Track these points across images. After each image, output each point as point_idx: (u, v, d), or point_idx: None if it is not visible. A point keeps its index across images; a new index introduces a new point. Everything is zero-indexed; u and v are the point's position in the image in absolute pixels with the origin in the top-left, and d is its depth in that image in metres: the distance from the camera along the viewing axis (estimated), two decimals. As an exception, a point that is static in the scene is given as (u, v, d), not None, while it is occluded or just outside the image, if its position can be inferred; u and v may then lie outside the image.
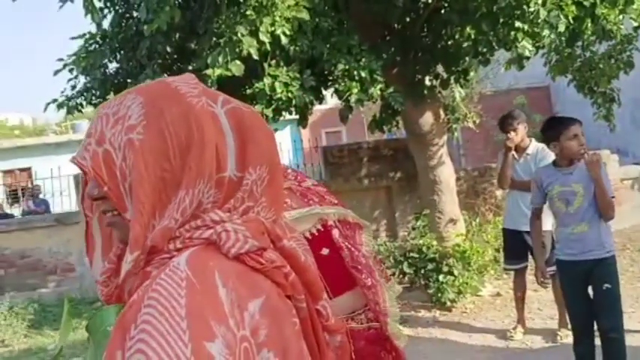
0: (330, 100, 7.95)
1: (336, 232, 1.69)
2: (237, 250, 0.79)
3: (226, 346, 0.71)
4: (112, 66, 6.29)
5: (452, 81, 6.46)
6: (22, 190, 14.20)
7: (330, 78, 5.36)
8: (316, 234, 1.67)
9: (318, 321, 0.86)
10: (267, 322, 0.77)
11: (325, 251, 1.68)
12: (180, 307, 0.71)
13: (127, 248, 0.81)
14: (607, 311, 3.39)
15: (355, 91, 4.94)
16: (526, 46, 5.05)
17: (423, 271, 6.29)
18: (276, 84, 4.82)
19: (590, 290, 3.52)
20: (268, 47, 4.72)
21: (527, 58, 5.37)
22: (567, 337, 4.51)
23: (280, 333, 0.78)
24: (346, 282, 1.67)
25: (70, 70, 6.09)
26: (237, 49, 4.59)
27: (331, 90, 5.61)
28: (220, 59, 4.60)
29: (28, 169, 17.66)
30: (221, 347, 0.71)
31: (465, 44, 5.47)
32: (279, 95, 4.83)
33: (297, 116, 5.79)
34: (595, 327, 3.50)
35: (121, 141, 0.82)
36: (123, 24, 5.95)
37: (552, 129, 3.54)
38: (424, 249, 6.32)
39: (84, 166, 0.84)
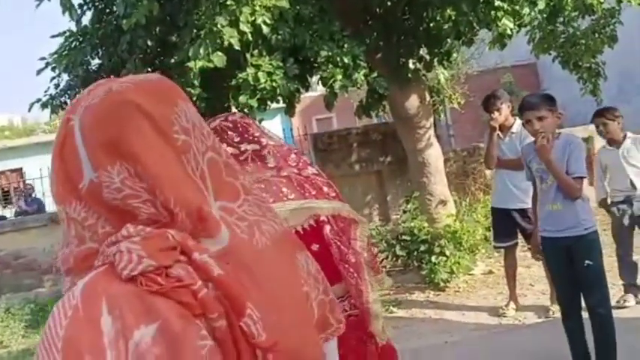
0: (319, 87, 7.96)
1: (327, 229, 1.70)
2: (129, 271, 0.74)
3: None
4: (94, 62, 6.26)
5: (435, 63, 6.46)
6: (14, 190, 14.14)
7: (314, 65, 5.36)
8: (308, 229, 1.67)
9: (242, 339, 0.78)
10: (158, 350, 0.71)
11: (315, 247, 1.68)
12: (59, 340, 0.70)
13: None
14: (591, 288, 3.44)
15: (339, 77, 4.94)
16: (507, 24, 5.06)
17: (415, 253, 6.34)
18: (260, 74, 4.81)
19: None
20: (250, 37, 4.71)
21: (509, 36, 5.38)
22: (559, 312, 4.56)
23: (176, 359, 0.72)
24: (336, 277, 1.68)
25: (53, 69, 6.06)
26: (218, 41, 4.58)
27: (317, 77, 5.60)
28: (202, 51, 4.58)
29: (19, 170, 17.59)
30: None
31: (446, 26, 5.47)
32: (263, 85, 4.83)
33: (285, 105, 5.79)
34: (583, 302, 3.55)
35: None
36: (102, 20, 5.92)
37: (519, 111, 3.69)
38: (416, 231, 6.36)
39: None
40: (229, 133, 1.70)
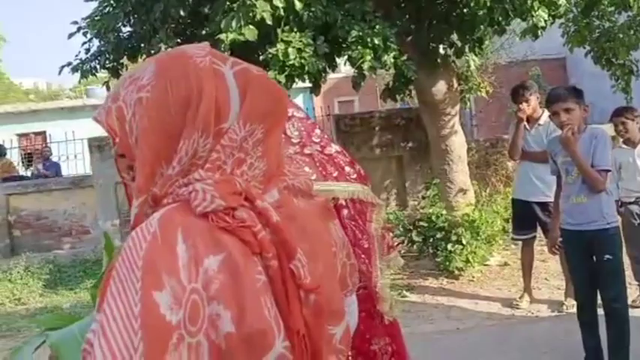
0: (343, 68, 7.92)
1: (344, 212, 1.68)
2: (202, 208, 0.84)
3: (173, 296, 0.77)
4: (126, 30, 6.30)
5: (466, 50, 6.40)
6: (34, 153, 14.35)
7: (344, 45, 5.34)
8: None
9: (290, 279, 0.88)
10: (223, 277, 0.81)
11: None
12: (139, 259, 0.79)
13: (134, 195, 0.91)
14: (609, 282, 3.43)
15: (368, 58, 4.92)
16: (541, 15, 4.99)
17: (431, 240, 6.34)
18: (289, 50, 4.81)
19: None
20: (282, 12, 4.71)
21: (543, 28, 5.31)
22: (573, 307, 4.55)
23: (237, 288, 0.82)
24: None
25: (84, 34, 6.11)
26: (250, 14, 4.58)
27: (344, 58, 5.58)
28: (234, 24, 4.60)
29: (42, 133, 17.81)
30: (168, 297, 0.77)
31: (481, 12, 5.41)
32: (292, 61, 4.83)
33: (310, 84, 5.78)
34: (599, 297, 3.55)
35: (132, 99, 0.91)
36: (137, -13, 5.93)
37: (546, 103, 3.67)
38: (433, 218, 6.35)
39: (99, 121, 0.94)
40: None
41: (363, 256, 1.65)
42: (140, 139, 0.89)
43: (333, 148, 1.73)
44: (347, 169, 1.68)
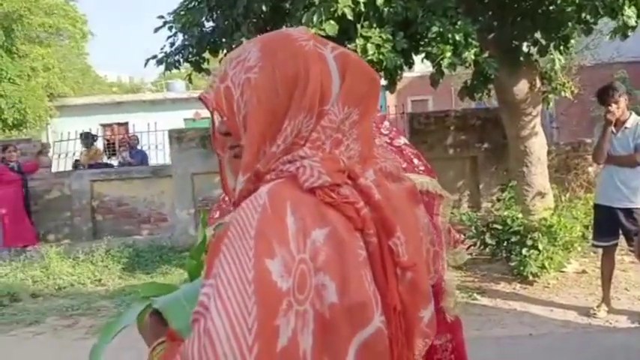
0: (418, 67, 7.84)
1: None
2: (310, 184, 0.88)
3: (284, 265, 0.80)
4: (209, 25, 6.49)
5: (551, 48, 6.19)
6: (120, 142, 14.98)
7: (422, 41, 5.29)
8: None
9: (388, 256, 0.91)
10: (328, 250, 0.84)
11: None
12: (252, 228, 0.82)
13: (240, 171, 0.95)
14: None
15: (448, 54, 4.86)
16: (630, 14, 4.76)
17: (505, 244, 6.18)
18: (368, 45, 4.82)
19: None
20: (363, 8, 4.72)
21: (633, 27, 5.07)
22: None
23: (341, 261, 0.85)
24: None
25: (169, 28, 6.34)
26: (331, 9, 4.62)
27: (421, 55, 5.53)
28: (315, 19, 4.65)
29: (125, 124, 18.60)
30: (279, 265, 0.80)
31: (569, 9, 5.21)
32: (370, 57, 4.83)
33: (386, 81, 5.76)
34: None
35: (240, 79, 0.94)
36: (221, -18, 6.09)
37: None
38: (509, 221, 6.19)
39: (207, 100, 0.97)
40: None
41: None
42: (249, 119, 0.92)
43: (402, 140, 1.74)
44: (415, 161, 1.68)
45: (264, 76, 0.92)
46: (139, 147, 11.61)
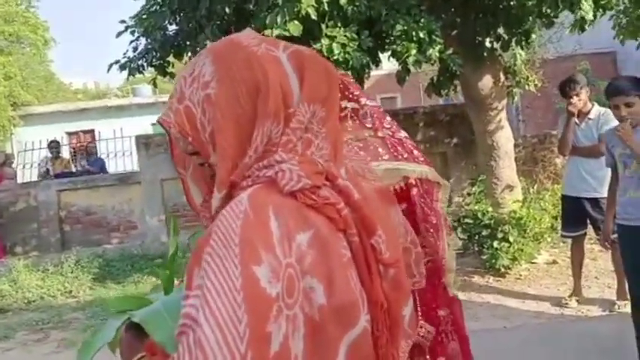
0: (385, 65, 7.88)
1: (414, 190, 1.74)
2: (290, 187, 0.87)
3: (271, 271, 0.80)
4: (172, 28, 6.40)
5: (513, 43, 6.26)
6: (77, 150, 14.72)
7: (388, 39, 5.30)
8: (398, 189, 1.74)
9: (371, 254, 0.92)
10: (313, 253, 0.84)
11: (403, 206, 1.78)
12: (235, 235, 0.81)
13: (215, 187, 0.93)
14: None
15: (413, 52, 4.87)
16: (588, 7, 4.85)
17: (477, 237, 6.24)
18: (334, 45, 4.81)
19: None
20: (326, 7, 4.71)
21: (592, 21, 5.15)
22: (625, 306, 4.42)
23: (326, 262, 0.85)
24: (417, 234, 1.78)
25: (132, 32, 6.24)
26: (295, 9, 4.60)
27: (387, 53, 5.54)
28: (278, 19, 4.62)
29: (91, 131, 18.30)
30: (266, 271, 0.79)
31: (529, 4, 5.28)
32: (336, 57, 4.82)
33: (353, 80, 5.75)
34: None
35: (199, 97, 0.92)
36: (183, -15, 6.02)
37: (607, 94, 3.57)
38: (479, 215, 6.25)
39: (168, 123, 0.95)
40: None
41: (431, 230, 1.71)
42: (217, 135, 0.90)
43: (402, 133, 1.83)
44: (415, 152, 1.76)
45: (224, 89, 0.91)
46: (102, 156, 11.43)
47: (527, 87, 7.04)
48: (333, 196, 0.90)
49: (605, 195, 4.26)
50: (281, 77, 0.91)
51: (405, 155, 1.71)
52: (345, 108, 1.80)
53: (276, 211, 0.84)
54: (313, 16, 4.64)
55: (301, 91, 0.92)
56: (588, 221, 5.03)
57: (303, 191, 0.88)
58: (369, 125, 1.72)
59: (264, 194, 0.87)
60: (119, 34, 6.26)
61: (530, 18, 5.72)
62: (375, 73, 11.76)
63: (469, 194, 6.93)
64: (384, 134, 1.72)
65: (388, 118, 1.84)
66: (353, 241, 0.90)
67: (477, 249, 6.33)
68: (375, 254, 0.92)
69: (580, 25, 5.29)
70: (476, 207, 6.39)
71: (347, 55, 4.85)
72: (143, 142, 8.97)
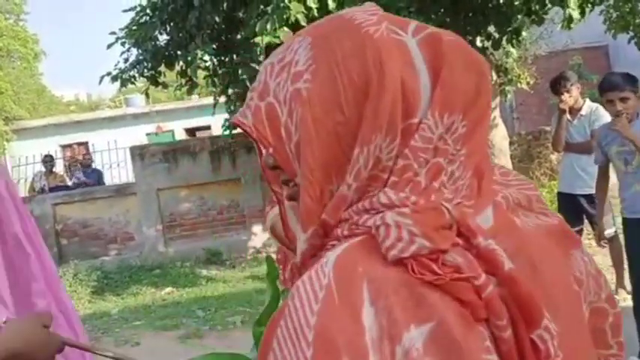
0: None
1: None
2: (397, 253, 0.58)
3: None
4: (163, 38, 6.40)
5: (504, 41, 6.28)
6: (73, 161, 14.69)
7: (378, 42, 5.31)
8: None
9: (533, 357, 0.59)
10: None
11: None
12: (309, 329, 0.56)
13: (299, 224, 0.67)
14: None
15: (404, 54, 4.88)
16: (573, 7, 4.89)
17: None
18: (324, 50, 4.81)
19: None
20: (316, 13, 4.71)
21: (581, 16, 5.18)
22: (625, 300, 4.42)
23: None
24: None
25: (123, 44, 6.24)
26: (284, 16, 4.60)
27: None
28: (268, 27, 4.62)
29: (85, 143, 18.26)
30: None
31: (517, 2, 5.30)
32: (327, 61, 4.83)
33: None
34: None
35: (286, 92, 0.66)
36: (172, -5, 6.03)
37: (600, 90, 3.57)
38: (476, 214, 6.26)
39: (245, 125, 0.69)
40: None
41: None
42: (303, 148, 0.64)
43: None
44: None
45: (320, 84, 0.64)
46: (97, 167, 11.40)
47: (519, 84, 7.06)
48: (468, 263, 0.58)
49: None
50: (404, 71, 0.63)
51: None
52: None
53: (373, 291, 0.56)
54: (303, 22, 4.63)
55: (433, 93, 0.63)
56: (585, 217, 5.03)
57: (418, 258, 0.58)
58: None
59: (359, 260, 0.58)
60: (110, 45, 6.26)
61: (519, 16, 5.74)
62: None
63: (465, 194, 6.94)
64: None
65: None
66: (501, 337, 0.58)
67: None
68: (537, 357, 0.59)
69: (568, 22, 5.31)
70: (472, 206, 6.39)
71: (338, 60, 4.85)
72: (138, 153, 8.96)
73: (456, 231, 0.60)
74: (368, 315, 0.55)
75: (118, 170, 12.39)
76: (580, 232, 5.19)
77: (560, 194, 5.23)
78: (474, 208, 0.64)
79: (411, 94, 0.63)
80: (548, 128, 7.89)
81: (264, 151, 0.70)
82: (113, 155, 12.46)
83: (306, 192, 0.64)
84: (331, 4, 4.68)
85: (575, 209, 5.00)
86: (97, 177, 10.76)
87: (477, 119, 0.65)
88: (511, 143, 7.32)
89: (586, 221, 5.09)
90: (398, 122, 0.62)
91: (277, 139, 0.67)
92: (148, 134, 18.78)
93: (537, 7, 5.24)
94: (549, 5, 5.18)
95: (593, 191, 4.77)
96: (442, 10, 5.72)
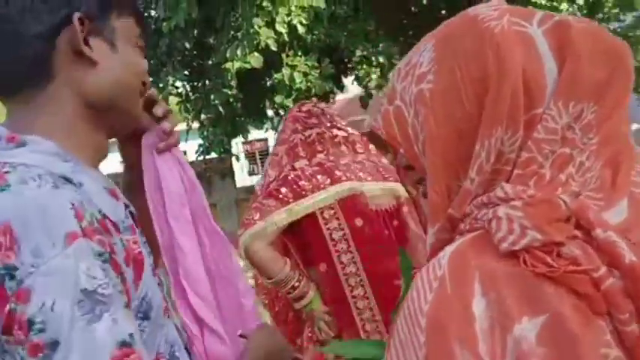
0: (352, 88, 8.01)
1: (405, 209, 1.87)
2: (508, 245, 0.58)
3: None
4: (134, 65, 6.39)
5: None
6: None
7: (349, 65, 5.38)
8: (391, 209, 1.85)
9: None
10: (545, 354, 0.54)
11: (395, 223, 1.88)
12: (422, 316, 0.58)
13: (428, 219, 0.70)
14: None
15: (374, 76, 4.96)
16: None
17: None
18: (295, 74, 4.86)
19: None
20: (286, 37, 4.75)
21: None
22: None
23: None
24: (405, 244, 1.89)
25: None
26: (254, 42, 4.63)
27: (352, 78, 5.63)
28: (239, 52, 4.64)
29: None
30: None
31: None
32: (298, 85, 4.87)
33: (319, 106, 5.83)
34: None
35: (411, 94, 0.69)
36: (142, 23, 6.04)
37: None
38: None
39: (377, 129, 0.73)
40: (321, 118, 1.88)
41: (420, 244, 1.84)
42: (427, 146, 0.67)
43: (384, 159, 1.99)
44: (396, 175, 1.90)
45: (442, 83, 0.66)
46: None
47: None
48: (586, 256, 0.57)
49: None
50: (526, 63, 0.63)
51: (391, 176, 1.85)
52: (337, 136, 1.87)
53: (485, 282, 0.57)
54: (273, 47, 4.68)
55: (558, 81, 0.63)
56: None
57: (531, 251, 0.58)
58: (361, 150, 1.88)
59: (472, 253, 0.60)
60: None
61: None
62: (343, 96, 11.89)
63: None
64: (373, 159, 1.86)
65: (372, 146, 1.92)
66: (624, 331, 0.56)
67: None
68: None
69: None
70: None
71: (309, 83, 4.89)
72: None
73: (575, 223, 0.59)
74: (479, 306, 0.56)
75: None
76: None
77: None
78: (605, 200, 0.62)
79: (535, 85, 0.62)
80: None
81: (399, 154, 0.74)
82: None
83: (432, 188, 0.67)
84: (301, 29, 4.74)
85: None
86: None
87: (610, 106, 0.64)
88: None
89: None
90: (519, 114, 0.62)
91: (406, 140, 0.69)
92: (121, 162, 18.60)
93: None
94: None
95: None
96: (410, 32, 5.82)
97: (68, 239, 0.65)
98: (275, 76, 4.92)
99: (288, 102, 4.92)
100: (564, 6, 4.90)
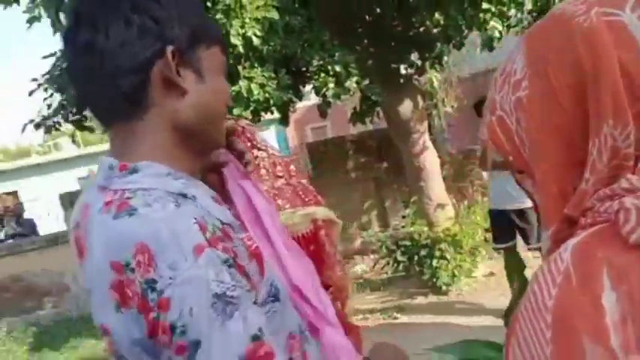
0: (312, 96, 8.04)
1: (322, 232, 1.88)
2: (638, 236, 0.57)
3: None
4: (88, 82, 6.25)
5: (427, 67, 6.48)
6: (5, 211, 14.07)
7: (307, 75, 5.38)
8: (308, 234, 1.86)
9: None
10: None
11: (311, 247, 1.86)
12: (546, 311, 0.57)
13: (542, 226, 0.70)
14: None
15: (331, 86, 4.96)
16: (495, 26, 5.09)
17: (416, 258, 6.33)
18: (252, 85, 4.82)
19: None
20: (241, 49, 4.72)
21: (499, 39, 5.41)
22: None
23: None
24: (323, 267, 1.89)
25: (45, 90, 6.06)
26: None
27: (310, 87, 5.63)
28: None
29: (14, 193, 17.53)
30: None
31: (435, 30, 5.49)
32: (256, 97, 4.84)
33: (279, 116, 5.82)
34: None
35: (510, 103, 0.69)
36: (94, 39, 5.92)
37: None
38: (416, 236, 6.36)
39: (484, 142, 0.76)
40: (241, 137, 1.89)
41: (337, 266, 1.85)
42: (532, 153, 0.67)
43: (304, 180, 1.95)
44: (318, 197, 1.91)
45: (537, 88, 0.65)
46: (26, 215, 10.96)
47: (444, 108, 7.29)
48: None
49: (529, 204, 4.43)
50: (621, 54, 0.61)
51: (311, 199, 1.85)
52: (257, 157, 1.87)
53: (614, 275, 0.55)
54: (229, 59, 4.64)
55: None
56: (517, 231, 5.19)
57: None
58: (281, 174, 1.85)
59: (598, 246, 0.58)
60: (31, 92, 6.07)
61: (439, 43, 5.94)
62: (303, 104, 11.90)
63: (404, 217, 7.04)
64: (293, 182, 1.85)
65: (292, 167, 1.92)
66: None
67: (417, 270, 6.41)
68: None
69: (489, 43, 5.53)
70: (412, 229, 6.50)
71: (267, 95, 4.87)
72: (69, 200, 8.66)
73: None
74: (608, 299, 0.54)
75: (47, 220, 11.93)
76: (514, 246, 5.35)
77: (491, 211, 5.38)
78: None
79: (635, 72, 0.61)
80: (477, 147, 8.14)
81: (489, 151, 0.78)
82: (44, 203, 12.01)
83: (543, 193, 0.67)
84: (255, 41, 4.71)
85: (507, 224, 5.15)
86: (31, 226, 10.36)
87: None
88: (444, 163, 7.50)
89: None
90: (624, 107, 0.60)
91: (513, 148, 0.70)
92: (79, 178, 18.22)
93: (455, 33, 5.44)
94: (465, 32, 5.39)
95: (522, 205, 4.94)
96: (365, 41, 5.86)
97: (197, 251, 0.74)
98: (232, 88, 4.87)
99: (247, 113, 4.88)
100: (513, 11, 5.01)
